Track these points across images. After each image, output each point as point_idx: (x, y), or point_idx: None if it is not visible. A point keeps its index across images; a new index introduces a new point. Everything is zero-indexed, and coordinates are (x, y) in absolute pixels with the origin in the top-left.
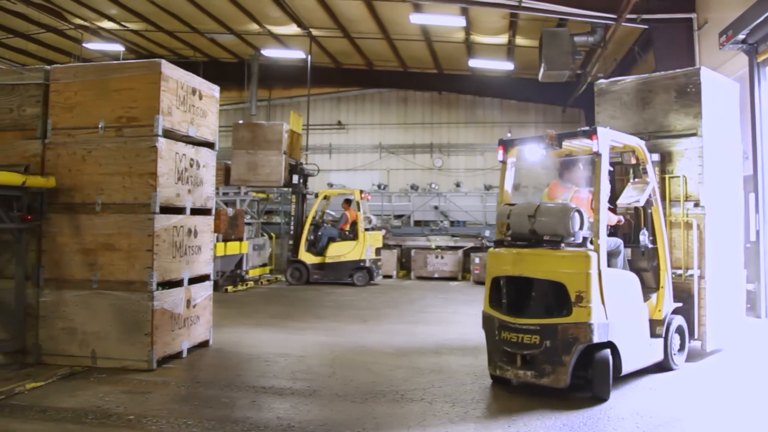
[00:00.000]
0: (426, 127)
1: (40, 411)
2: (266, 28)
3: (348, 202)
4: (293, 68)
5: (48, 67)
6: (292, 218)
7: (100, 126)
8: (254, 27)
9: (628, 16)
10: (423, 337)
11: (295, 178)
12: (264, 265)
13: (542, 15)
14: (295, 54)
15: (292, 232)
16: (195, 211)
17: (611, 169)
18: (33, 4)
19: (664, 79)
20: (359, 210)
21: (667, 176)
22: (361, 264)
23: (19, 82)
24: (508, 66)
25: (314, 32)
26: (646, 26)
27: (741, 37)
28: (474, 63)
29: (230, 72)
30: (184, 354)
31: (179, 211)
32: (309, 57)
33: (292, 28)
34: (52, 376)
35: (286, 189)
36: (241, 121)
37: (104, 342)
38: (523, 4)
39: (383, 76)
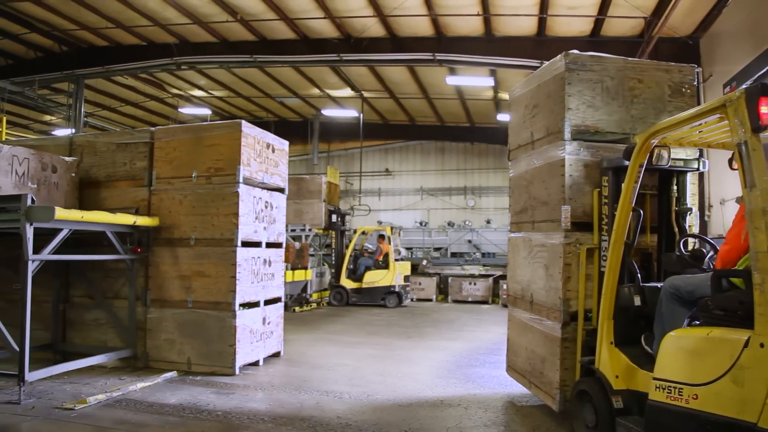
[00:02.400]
0: (460, 173)
1: (148, 405)
2: (325, 92)
3: (382, 237)
4: (348, 125)
5: (152, 128)
6: (333, 251)
7: (193, 175)
8: (316, 91)
9: None
10: (460, 352)
11: (334, 218)
12: (324, 289)
13: None
14: (349, 113)
15: (333, 262)
16: (269, 245)
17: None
18: (140, 78)
19: (657, 69)
20: (390, 243)
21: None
22: (392, 289)
23: (131, 141)
24: None
25: (365, 94)
26: None
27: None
28: (502, 117)
29: (296, 129)
30: (261, 363)
31: (256, 244)
32: (361, 115)
33: (347, 92)
34: (157, 377)
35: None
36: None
37: (197, 351)
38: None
39: (423, 129)
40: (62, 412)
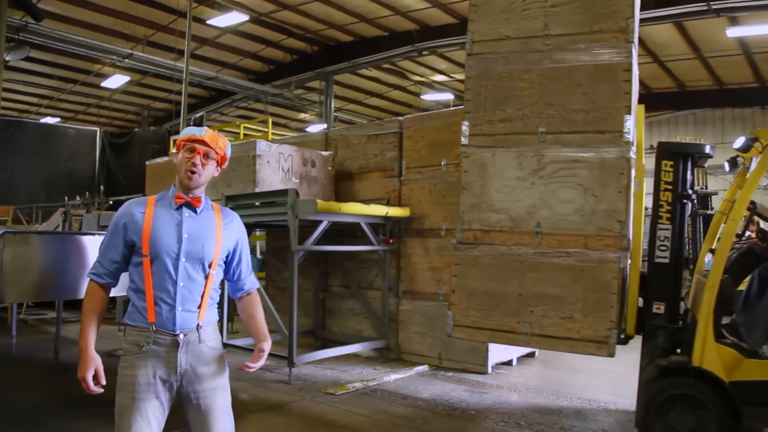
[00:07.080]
0: None
1: (402, 398)
2: None
3: None
4: None
5: (401, 118)
6: None
7: (442, 163)
8: None
9: None
10: None
11: None
12: None
13: None
14: None
15: None
16: None
17: None
18: (383, 69)
19: None
20: None
21: None
22: None
23: (380, 132)
24: None
25: None
26: None
27: None
28: None
29: None
30: (514, 362)
31: None
32: None
33: None
34: (409, 370)
35: None
36: None
37: (448, 346)
38: None
39: (697, 95)
40: (325, 396)
